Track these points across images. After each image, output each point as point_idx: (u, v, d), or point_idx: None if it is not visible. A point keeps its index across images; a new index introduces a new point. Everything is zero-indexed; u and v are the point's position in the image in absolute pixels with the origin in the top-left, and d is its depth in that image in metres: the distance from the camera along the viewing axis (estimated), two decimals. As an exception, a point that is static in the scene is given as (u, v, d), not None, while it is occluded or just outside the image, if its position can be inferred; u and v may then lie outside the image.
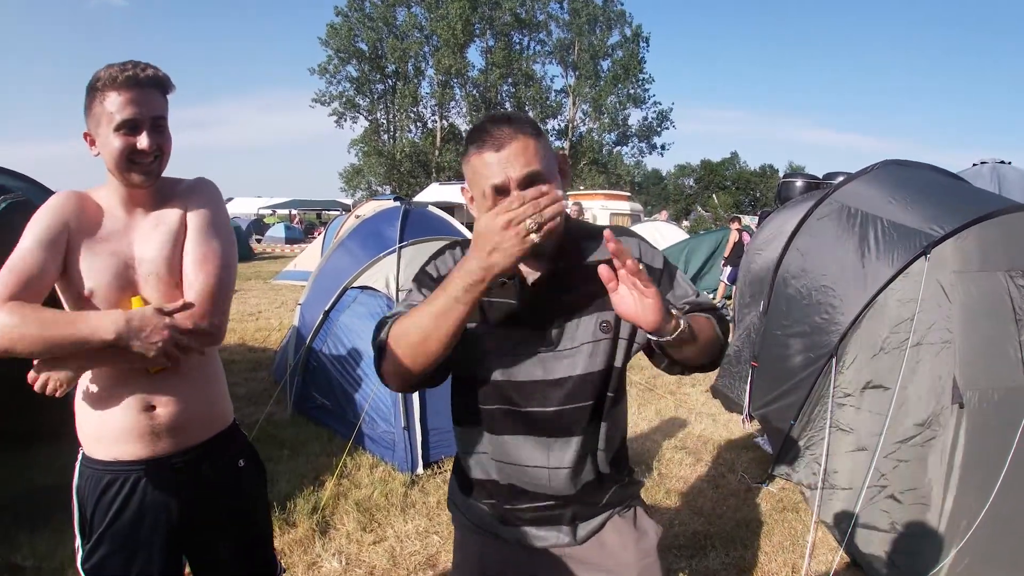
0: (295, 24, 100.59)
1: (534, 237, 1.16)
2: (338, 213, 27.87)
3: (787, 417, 3.99)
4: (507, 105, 41.74)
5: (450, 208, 20.05)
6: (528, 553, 1.53)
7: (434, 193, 23.16)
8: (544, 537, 1.51)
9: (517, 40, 42.14)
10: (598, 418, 1.47)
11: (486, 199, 1.31)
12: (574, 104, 41.78)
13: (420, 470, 4.14)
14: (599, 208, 19.83)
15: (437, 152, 39.00)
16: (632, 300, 1.20)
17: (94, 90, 1.55)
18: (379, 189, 38.40)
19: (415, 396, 4.33)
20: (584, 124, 42.37)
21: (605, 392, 1.45)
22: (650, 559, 1.55)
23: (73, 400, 1.68)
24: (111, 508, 1.65)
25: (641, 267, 1.17)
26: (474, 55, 41.10)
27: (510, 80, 40.58)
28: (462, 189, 1.46)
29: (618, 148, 42.19)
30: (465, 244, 1.46)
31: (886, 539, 3.13)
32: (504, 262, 1.18)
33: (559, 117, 42.06)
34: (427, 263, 1.52)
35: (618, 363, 1.44)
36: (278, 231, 29.75)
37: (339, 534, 3.49)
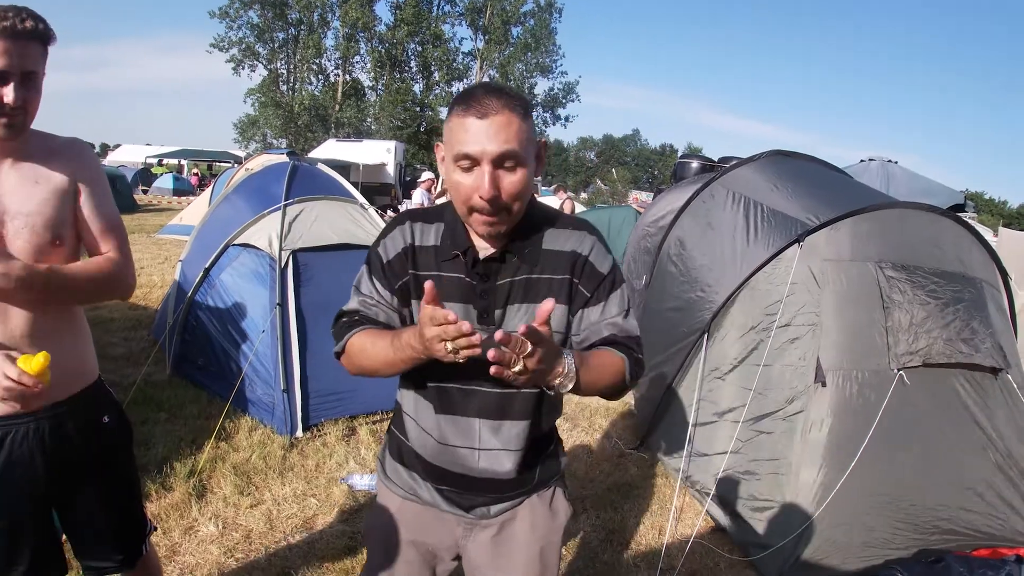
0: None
1: (458, 358, 1.17)
2: (230, 165, 26.61)
3: (660, 387, 4.15)
4: (412, 64, 40.90)
5: (345, 167, 19.52)
6: (442, 519, 1.59)
7: (330, 149, 22.40)
8: (460, 511, 1.57)
9: (428, -2, 41.22)
10: (538, 403, 1.50)
11: (454, 164, 1.31)
12: (481, 68, 41.35)
13: (299, 433, 4.06)
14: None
15: (337, 107, 37.76)
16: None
17: None
18: (274, 142, 36.92)
19: (295, 359, 4.23)
20: (490, 90, 42.11)
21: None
22: (553, 539, 1.62)
23: None
24: None
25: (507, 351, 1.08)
26: (383, 10, 39.98)
27: (418, 39, 39.68)
28: (435, 145, 1.44)
29: (523, 117, 42.23)
30: (415, 218, 1.49)
31: (745, 505, 3.33)
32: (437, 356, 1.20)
33: (465, 80, 41.53)
34: (377, 242, 1.51)
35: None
36: (166, 182, 28.10)
37: (216, 498, 3.40)
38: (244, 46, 38.41)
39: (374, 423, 4.33)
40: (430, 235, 1.47)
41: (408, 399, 1.56)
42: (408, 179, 23.83)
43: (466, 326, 1.13)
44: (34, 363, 1.42)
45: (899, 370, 3.19)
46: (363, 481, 3.58)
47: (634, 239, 6.00)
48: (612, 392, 1.43)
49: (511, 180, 1.29)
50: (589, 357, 1.33)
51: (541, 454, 1.59)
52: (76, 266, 1.67)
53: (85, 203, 1.73)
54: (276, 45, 39.66)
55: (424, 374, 1.45)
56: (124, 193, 19.90)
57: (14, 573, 1.72)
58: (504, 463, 1.50)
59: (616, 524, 3.45)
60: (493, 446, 1.49)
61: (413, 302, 1.47)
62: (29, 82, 1.52)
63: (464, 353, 1.15)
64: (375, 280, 1.49)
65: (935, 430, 3.24)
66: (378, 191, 20.28)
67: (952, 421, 3.26)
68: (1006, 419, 3.33)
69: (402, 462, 1.61)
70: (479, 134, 1.26)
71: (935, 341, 3.26)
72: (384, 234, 1.51)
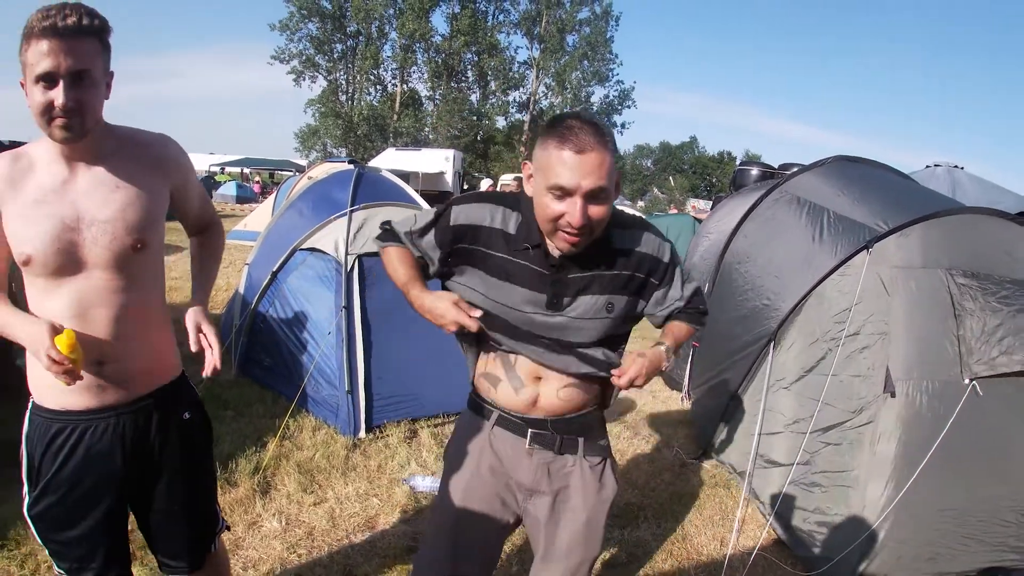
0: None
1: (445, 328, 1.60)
2: (291, 173, 27.32)
3: (724, 397, 4.10)
4: (469, 73, 41.29)
5: (405, 175, 19.84)
6: (523, 456, 1.78)
7: (390, 159, 22.85)
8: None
9: (483, 8, 41.61)
10: (592, 376, 1.73)
11: (546, 189, 1.48)
12: (537, 77, 41.54)
13: (362, 434, 4.14)
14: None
15: (395, 117, 38.41)
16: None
17: (23, 38, 1.45)
18: (334, 151, 37.75)
19: (360, 361, 4.31)
20: (546, 98, 42.20)
21: (604, 345, 1.71)
22: (602, 508, 1.83)
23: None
24: (58, 456, 1.67)
25: (621, 381, 1.60)
26: (439, 21, 40.50)
27: (474, 48, 40.09)
28: (523, 163, 1.61)
29: (579, 125, 42.13)
30: (496, 201, 1.68)
31: (811, 518, 3.27)
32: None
33: (521, 89, 41.79)
34: (456, 203, 1.73)
35: (617, 331, 1.73)
36: (229, 189, 28.99)
37: (280, 495, 3.48)
38: (304, 58, 39.47)
39: (435, 426, 4.39)
40: (510, 222, 1.65)
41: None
42: (466, 188, 24.10)
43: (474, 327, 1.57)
44: (63, 342, 1.48)
45: (971, 380, 3.09)
46: (425, 483, 3.63)
47: (694, 247, 5.95)
48: (692, 338, 1.87)
49: (598, 211, 1.48)
50: (673, 334, 1.75)
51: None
52: (211, 270, 1.89)
53: (180, 196, 1.79)
54: (335, 56, 40.61)
55: (490, 337, 1.72)
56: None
57: (87, 571, 1.76)
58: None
59: (677, 534, 3.42)
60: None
61: (457, 266, 1.72)
62: (82, 81, 1.46)
63: (449, 329, 1.58)
64: (432, 232, 1.71)
65: (1009, 442, 3.13)
66: (437, 199, 20.49)
67: (1025, 434, 3.14)
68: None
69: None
70: (575, 169, 1.42)
71: (1009, 349, 3.15)
72: (465, 200, 1.73)
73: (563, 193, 1.45)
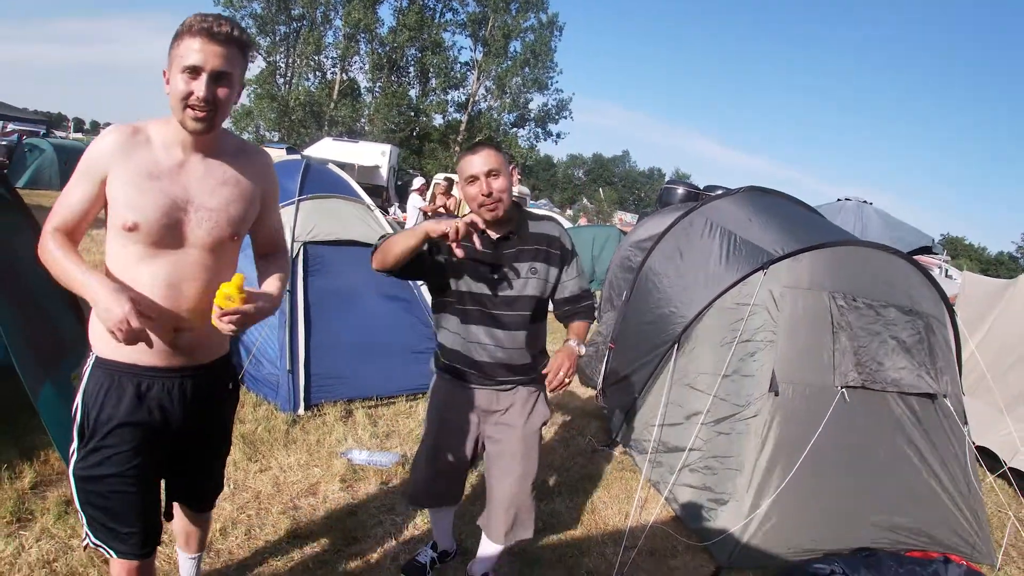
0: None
1: (452, 235, 2.17)
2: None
3: (633, 392, 4.58)
4: (410, 69, 41.12)
5: (341, 167, 19.76)
6: (471, 394, 2.59)
7: (326, 148, 22.68)
8: (483, 387, 2.58)
9: (431, 5, 41.54)
10: (529, 323, 2.53)
11: (464, 181, 2.40)
12: (478, 79, 41.75)
13: (301, 411, 4.42)
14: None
15: (333, 105, 37.99)
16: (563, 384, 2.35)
17: (176, 35, 1.65)
18: (267, 135, 37.05)
19: (301, 342, 4.58)
20: (485, 101, 42.46)
21: (534, 308, 2.51)
22: (534, 429, 2.65)
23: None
24: (120, 403, 1.78)
25: (557, 379, 2.32)
26: (385, 13, 40.16)
27: (418, 44, 39.99)
28: (458, 182, 2.50)
29: (515, 130, 42.56)
30: (441, 216, 2.70)
31: (703, 496, 3.75)
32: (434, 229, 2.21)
33: (461, 90, 41.93)
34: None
35: (543, 293, 2.53)
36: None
37: (227, 462, 3.72)
38: (246, 36, 38.42)
39: (370, 408, 4.69)
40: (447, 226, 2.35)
41: (445, 320, 2.57)
42: (399, 183, 24.15)
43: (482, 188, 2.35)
44: (233, 285, 1.66)
45: (841, 387, 3.65)
46: (362, 456, 3.95)
47: (617, 258, 6.45)
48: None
49: (498, 183, 2.35)
50: (576, 331, 2.56)
51: (531, 361, 2.59)
52: (277, 278, 2.00)
53: (266, 210, 1.98)
54: (277, 38, 39.79)
55: (455, 301, 2.51)
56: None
57: (125, 542, 1.85)
58: (506, 357, 2.53)
59: (587, 508, 3.86)
60: (500, 345, 2.51)
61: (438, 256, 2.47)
62: (222, 81, 1.66)
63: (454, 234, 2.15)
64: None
65: (873, 444, 3.72)
66: (370, 192, 20.43)
67: (888, 438, 3.73)
68: (940, 440, 3.81)
69: (446, 358, 2.61)
70: (476, 162, 2.36)
71: (876, 366, 3.73)
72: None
73: (473, 179, 2.36)
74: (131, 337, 1.56)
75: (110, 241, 1.75)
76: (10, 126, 24.92)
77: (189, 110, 1.65)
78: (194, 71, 1.62)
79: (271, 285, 1.97)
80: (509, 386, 2.59)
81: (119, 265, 1.74)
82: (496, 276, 2.45)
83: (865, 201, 11.07)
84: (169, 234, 1.72)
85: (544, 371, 2.35)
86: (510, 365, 2.54)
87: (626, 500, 4.00)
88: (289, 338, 4.59)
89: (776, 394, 3.67)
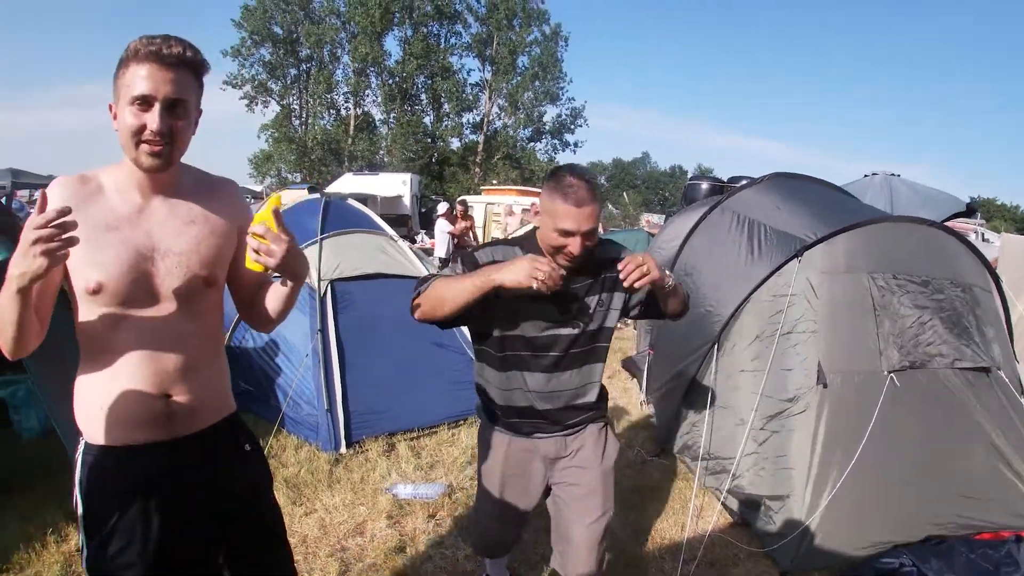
0: (208, 3, 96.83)
1: (542, 287, 1.89)
2: (247, 200, 27.15)
3: (677, 398, 4.46)
4: (423, 96, 41.49)
5: (363, 199, 19.97)
6: (535, 444, 2.36)
7: (347, 183, 22.97)
8: (549, 436, 2.35)
9: (435, 31, 41.97)
10: (598, 358, 2.32)
11: (555, 232, 2.04)
12: (490, 99, 41.98)
13: (343, 449, 4.37)
14: (512, 203, 20.00)
15: (350, 140, 38.45)
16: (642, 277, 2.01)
17: (121, 61, 1.46)
18: (289, 176, 37.63)
19: (337, 380, 4.56)
20: (499, 119, 42.64)
21: (596, 344, 2.28)
22: (611, 466, 2.45)
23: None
24: (122, 497, 1.58)
25: (636, 272, 2.00)
26: (392, 44, 40.69)
27: (427, 71, 40.39)
28: (533, 207, 2.37)
29: (532, 144, 42.68)
30: (500, 244, 2.31)
31: (760, 500, 3.62)
32: (509, 280, 1.93)
33: (475, 111, 42.20)
34: (476, 249, 2.26)
35: (609, 323, 2.30)
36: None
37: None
38: (257, 83, 39.31)
39: (412, 439, 4.64)
40: (514, 254, 2.17)
41: (491, 370, 2.31)
42: (423, 210, 24.29)
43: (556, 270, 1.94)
44: (268, 215, 1.48)
45: (889, 373, 3.50)
46: (407, 490, 3.89)
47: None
48: (684, 303, 2.42)
49: (591, 242, 2.08)
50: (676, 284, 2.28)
51: (594, 399, 2.37)
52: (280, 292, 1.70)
53: (244, 246, 1.61)
54: (288, 81, 40.49)
55: (507, 345, 2.23)
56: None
57: None
58: (564, 402, 2.30)
59: (641, 522, 3.75)
60: (555, 389, 2.28)
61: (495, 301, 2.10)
62: (176, 111, 1.47)
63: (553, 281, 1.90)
64: (464, 268, 2.16)
65: (929, 426, 3.55)
66: (395, 223, 20.64)
67: (944, 418, 3.56)
68: (998, 413, 3.62)
69: (495, 409, 2.36)
70: (576, 218, 2.01)
71: (921, 345, 3.58)
72: (479, 248, 2.28)
73: (567, 234, 2.02)
74: (54, 243, 1.26)
75: (77, 310, 1.55)
76: (36, 194, 25.55)
77: (143, 146, 1.46)
78: (144, 101, 1.44)
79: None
80: (578, 428, 2.38)
81: (88, 336, 1.56)
82: (563, 317, 2.20)
83: (893, 174, 10.79)
84: (138, 289, 1.52)
85: (619, 267, 2.02)
86: (578, 406, 2.33)
87: (681, 510, 3.87)
88: (324, 377, 4.57)
89: (824, 386, 3.53)
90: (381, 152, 39.53)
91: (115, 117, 1.49)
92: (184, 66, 1.48)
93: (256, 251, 1.48)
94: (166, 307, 1.57)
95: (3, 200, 17.05)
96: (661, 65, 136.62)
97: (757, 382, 3.77)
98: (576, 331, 2.23)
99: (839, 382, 3.54)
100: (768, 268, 4.00)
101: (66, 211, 1.27)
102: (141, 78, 1.43)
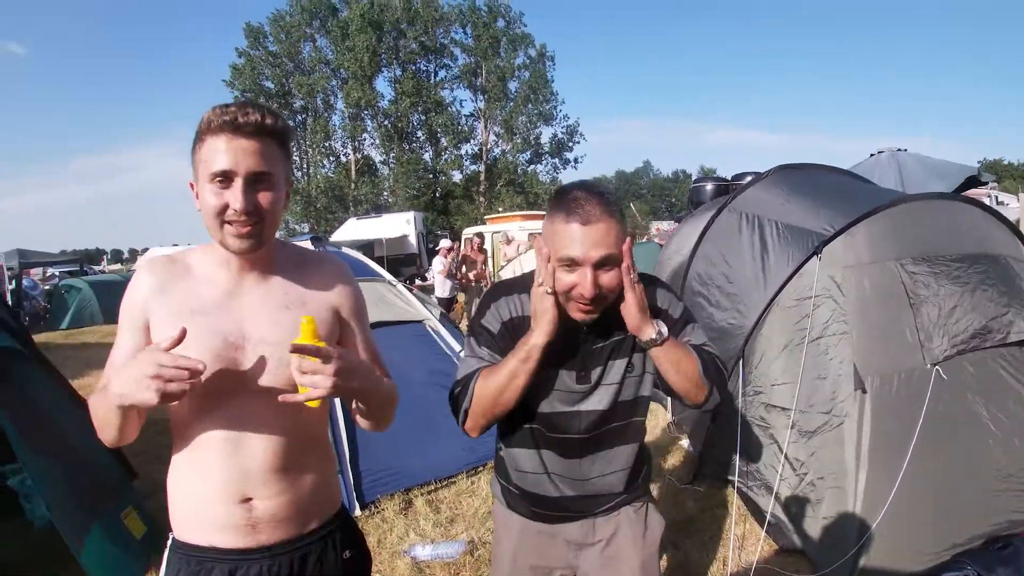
0: (202, 64, 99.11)
1: (547, 290, 1.51)
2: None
3: (706, 419, 4.17)
4: (419, 133, 41.75)
5: (369, 243, 19.92)
6: (559, 529, 1.83)
7: (352, 229, 22.98)
8: (574, 521, 1.82)
9: (424, 67, 42.34)
10: (632, 434, 1.78)
11: (557, 261, 1.51)
12: (486, 127, 42.12)
13: (357, 512, 4.12)
14: (517, 230, 19.70)
15: (353, 185, 38.65)
16: (625, 304, 1.53)
17: (197, 135, 1.34)
18: (296, 227, 37.84)
19: (344, 439, 4.31)
20: (497, 146, 42.76)
21: (630, 417, 1.75)
22: (651, 550, 1.87)
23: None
24: None
25: (632, 274, 1.51)
26: (383, 85, 41.08)
27: (421, 108, 40.67)
28: (533, 235, 1.70)
29: (532, 167, 42.70)
30: (508, 292, 1.72)
31: (809, 522, 3.33)
32: (543, 327, 1.52)
33: (472, 141, 42.32)
34: (480, 315, 1.74)
35: (644, 393, 1.74)
36: (196, 279, 28.82)
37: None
38: (254, 139, 39.76)
39: (429, 493, 4.39)
40: (526, 306, 1.67)
41: (510, 448, 1.82)
42: (431, 246, 24.24)
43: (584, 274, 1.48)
44: (308, 327, 1.29)
45: (934, 365, 3.20)
46: (425, 551, 3.63)
47: (657, 273, 6.07)
48: (690, 383, 1.65)
49: (608, 278, 1.51)
50: (675, 342, 1.63)
51: (628, 477, 1.82)
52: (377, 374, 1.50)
53: (347, 331, 1.55)
54: (285, 133, 40.96)
55: (522, 421, 1.73)
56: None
57: None
58: (592, 487, 1.78)
59: (679, 561, 3.45)
60: (582, 476, 1.76)
61: None
62: (261, 185, 1.33)
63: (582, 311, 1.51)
64: (485, 347, 1.69)
65: (982, 416, 3.24)
66: (403, 262, 20.66)
67: (997, 403, 3.26)
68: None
69: (512, 492, 1.86)
70: (584, 241, 1.47)
71: (966, 328, 3.29)
72: (484, 309, 1.74)
73: (573, 264, 1.49)
74: (174, 384, 1.18)
75: None
76: (49, 271, 25.83)
77: (228, 227, 1.32)
78: (225, 178, 1.30)
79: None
80: (610, 512, 1.85)
81: (176, 425, 1.45)
82: (583, 388, 1.69)
83: (900, 149, 10.56)
84: (226, 381, 1.36)
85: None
86: (608, 495, 1.82)
87: (721, 542, 3.57)
88: (332, 437, 4.33)
89: (863, 391, 3.23)
90: (385, 193, 39.74)
91: (196, 196, 1.37)
92: (265, 134, 1.33)
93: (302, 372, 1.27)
94: (256, 400, 1.40)
95: (13, 281, 17.29)
96: (649, 72, 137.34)
97: (790, 395, 3.48)
98: (602, 408, 1.70)
99: (879, 384, 3.23)
100: (786, 268, 3.73)
101: (201, 368, 1.21)
102: (219, 152, 1.30)
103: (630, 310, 1.54)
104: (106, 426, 1.35)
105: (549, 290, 1.51)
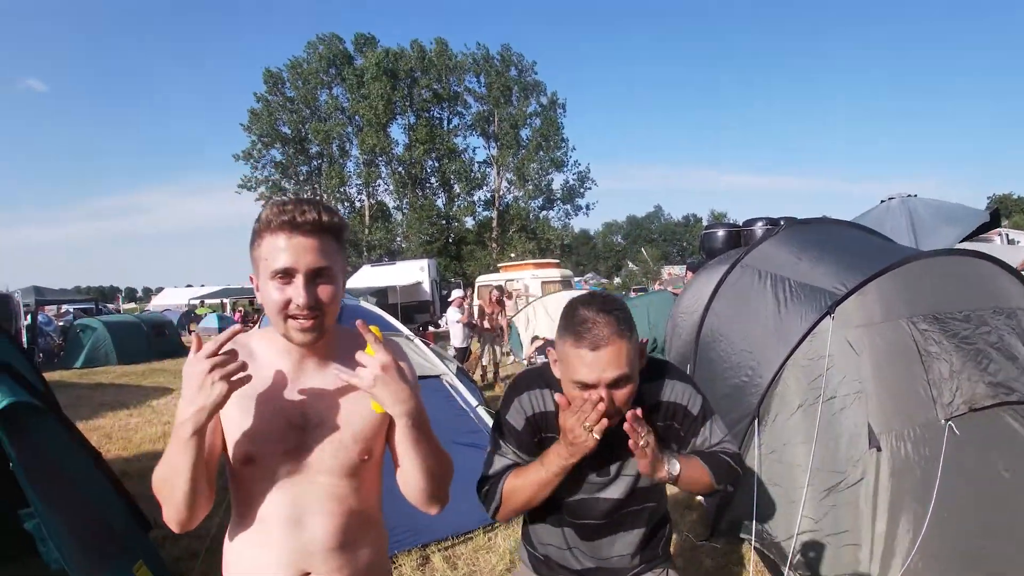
0: (220, 108, 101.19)
1: (595, 435, 1.53)
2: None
3: (722, 477, 4.18)
4: (432, 179, 42.27)
5: (383, 291, 20.10)
6: None
7: (366, 276, 23.24)
8: None
9: (437, 115, 43.08)
10: (643, 519, 1.85)
11: (571, 382, 1.59)
12: (498, 174, 42.67)
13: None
14: (530, 278, 19.76)
15: (367, 231, 39.07)
16: (637, 458, 1.59)
17: (255, 233, 1.40)
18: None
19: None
20: (510, 192, 43.25)
21: (647, 501, 1.83)
22: None
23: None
24: None
25: (640, 430, 1.55)
26: (397, 132, 41.83)
27: (434, 155, 41.28)
28: (548, 351, 1.76)
29: (544, 213, 43.11)
30: (530, 387, 1.80)
31: (826, 583, 3.31)
32: (579, 453, 1.58)
33: (484, 187, 42.84)
34: (504, 411, 1.82)
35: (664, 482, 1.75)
36: (211, 321, 29.09)
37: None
38: (271, 183, 40.41)
39: (446, 548, 4.39)
40: (548, 401, 1.77)
41: (535, 525, 1.93)
42: (444, 293, 24.42)
43: (595, 396, 1.53)
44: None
45: (947, 421, 3.24)
46: (445, 609, 3.64)
47: (671, 327, 6.12)
48: (704, 491, 1.78)
49: (622, 394, 1.58)
50: (689, 465, 1.69)
51: (647, 551, 1.90)
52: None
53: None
54: (300, 179, 41.62)
55: (546, 508, 1.81)
56: (172, 338, 20.62)
57: None
58: (613, 564, 1.85)
59: (699, 620, 3.44)
60: (605, 555, 1.85)
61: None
62: (320, 279, 1.38)
63: (597, 427, 1.52)
64: (511, 446, 1.79)
65: (999, 472, 3.24)
66: (417, 309, 20.83)
67: (1015, 458, 3.25)
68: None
69: (536, 563, 1.96)
70: (595, 366, 1.54)
71: (977, 385, 3.32)
72: (508, 403, 1.82)
73: (585, 387, 1.55)
74: (231, 365, 1.30)
75: (230, 474, 1.49)
76: (65, 307, 26.09)
77: (291, 321, 1.38)
78: (286, 274, 1.35)
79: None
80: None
81: (237, 499, 1.49)
82: (601, 479, 1.78)
83: (910, 195, 10.62)
84: (289, 462, 1.43)
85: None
86: (629, 567, 1.89)
87: (742, 603, 3.57)
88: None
89: (878, 449, 3.26)
90: (398, 239, 40.10)
91: (257, 288, 1.43)
92: (322, 231, 1.38)
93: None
94: (317, 480, 1.45)
95: (28, 317, 17.51)
96: (659, 117, 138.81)
97: (805, 454, 3.51)
98: (619, 496, 1.79)
99: (893, 442, 3.27)
100: (799, 326, 3.79)
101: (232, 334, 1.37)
102: (279, 251, 1.35)
103: (641, 464, 1.61)
104: (175, 489, 1.36)
105: (598, 436, 1.54)
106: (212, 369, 1.28)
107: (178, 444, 1.32)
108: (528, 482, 1.69)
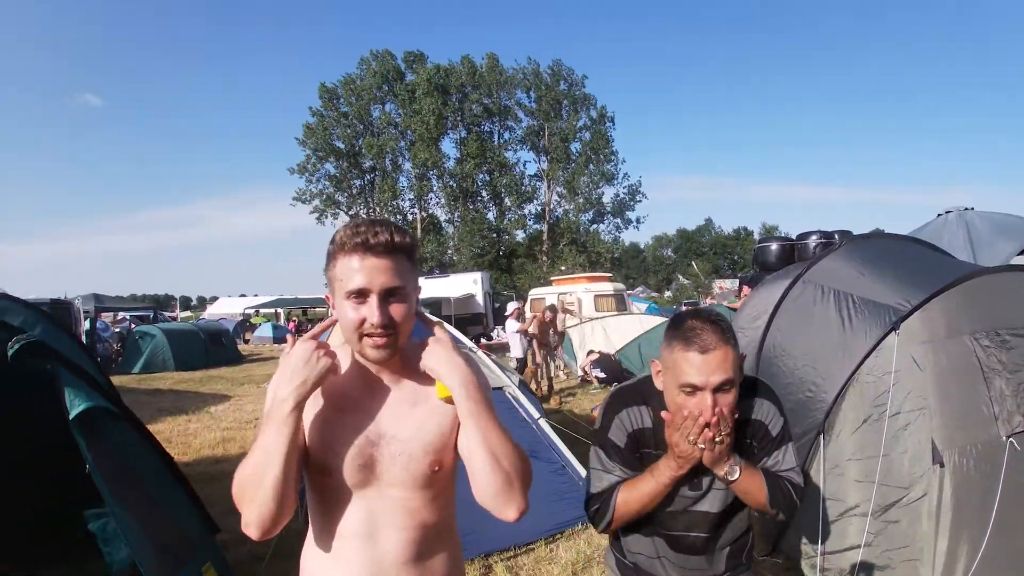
0: (275, 122, 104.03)
1: (700, 444, 1.63)
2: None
3: (785, 491, 4.18)
4: (483, 192, 42.64)
5: (437, 303, 20.36)
6: None
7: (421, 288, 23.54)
8: None
9: (488, 129, 43.50)
10: (731, 531, 1.94)
11: (678, 390, 1.69)
12: (548, 188, 42.82)
13: None
14: (583, 291, 19.79)
15: (419, 243, 39.58)
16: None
17: (329, 254, 1.45)
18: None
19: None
20: (560, 206, 43.36)
21: (736, 514, 1.92)
22: None
23: None
24: None
25: (723, 428, 1.64)
26: (448, 147, 42.37)
27: (485, 168, 41.67)
28: (652, 361, 1.86)
29: (595, 226, 43.09)
30: (627, 403, 1.89)
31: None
32: (687, 465, 1.69)
33: (535, 201, 43.02)
34: (606, 428, 1.91)
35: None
36: (265, 331, 29.81)
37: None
38: (324, 197, 41.28)
39: (509, 559, 4.48)
40: (645, 418, 1.88)
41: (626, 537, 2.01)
42: (497, 306, 24.57)
43: (703, 401, 1.63)
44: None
45: (1008, 437, 3.24)
46: (509, 616, 3.72)
47: (730, 341, 6.11)
48: (759, 508, 1.82)
49: (727, 400, 1.67)
50: (750, 476, 1.76)
51: (731, 561, 1.98)
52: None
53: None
54: (354, 192, 42.42)
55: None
56: (228, 346, 21.19)
57: None
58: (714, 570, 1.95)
59: (762, 636, 3.46)
60: (693, 567, 1.93)
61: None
62: (394, 298, 1.41)
63: (703, 437, 1.62)
64: (615, 461, 1.88)
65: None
66: (470, 322, 21.01)
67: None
68: None
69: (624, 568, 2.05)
70: (703, 369, 1.64)
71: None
72: (608, 419, 1.92)
73: (695, 390, 1.65)
74: (324, 364, 1.41)
75: (308, 485, 1.54)
76: (121, 314, 27.01)
77: (367, 339, 1.41)
78: (360, 295, 1.39)
79: None
80: None
81: (315, 510, 1.54)
82: (695, 493, 1.86)
83: (966, 208, 10.39)
84: (365, 474, 1.47)
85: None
86: (716, 574, 1.97)
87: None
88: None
89: (941, 465, 3.26)
90: (450, 251, 40.51)
91: (332, 307, 1.49)
92: (395, 251, 1.42)
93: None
94: (391, 493, 1.48)
95: (88, 322, 18.20)
96: (709, 129, 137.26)
97: (867, 470, 3.52)
98: (709, 509, 1.87)
99: (956, 457, 3.28)
100: (864, 342, 3.79)
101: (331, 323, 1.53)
102: (353, 271, 1.40)
103: (706, 455, 1.69)
104: (265, 480, 1.37)
105: (703, 447, 1.65)
106: (317, 348, 1.42)
107: (274, 425, 1.38)
108: (640, 494, 1.79)
